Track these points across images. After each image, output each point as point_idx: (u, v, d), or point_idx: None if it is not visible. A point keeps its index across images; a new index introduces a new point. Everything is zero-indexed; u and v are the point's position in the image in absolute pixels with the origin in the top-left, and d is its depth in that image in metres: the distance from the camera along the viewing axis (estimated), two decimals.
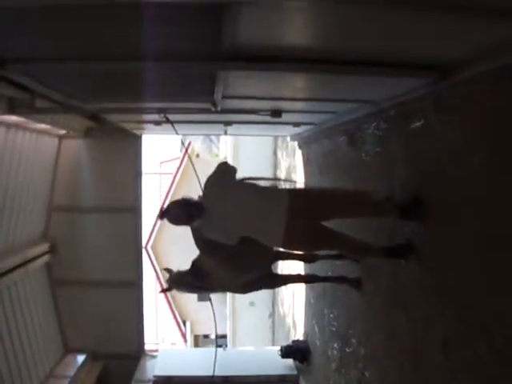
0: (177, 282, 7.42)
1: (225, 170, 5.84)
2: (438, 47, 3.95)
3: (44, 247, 11.31)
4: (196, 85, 5.74)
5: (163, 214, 5.74)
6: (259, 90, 6.05)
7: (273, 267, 7.87)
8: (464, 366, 4.38)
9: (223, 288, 7.96)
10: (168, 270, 7.59)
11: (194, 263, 7.28)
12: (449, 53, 4.09)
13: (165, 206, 5.90)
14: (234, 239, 5.66)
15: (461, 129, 4.50)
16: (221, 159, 30.12)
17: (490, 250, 4.01)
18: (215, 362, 9.21)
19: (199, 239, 6.45)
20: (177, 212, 5.72)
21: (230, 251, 6.23)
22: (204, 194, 5.82)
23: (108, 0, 2.99)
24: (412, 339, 5.53)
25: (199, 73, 5.05)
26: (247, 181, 5.84)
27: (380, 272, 6.48)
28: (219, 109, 6.81)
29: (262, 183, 5.88)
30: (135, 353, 12.57)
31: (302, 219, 5.37)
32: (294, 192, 5.75)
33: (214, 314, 8.51)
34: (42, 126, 9.27)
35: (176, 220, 5.77)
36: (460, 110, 4.53)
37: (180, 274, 7.37)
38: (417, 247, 5.39)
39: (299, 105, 7.35)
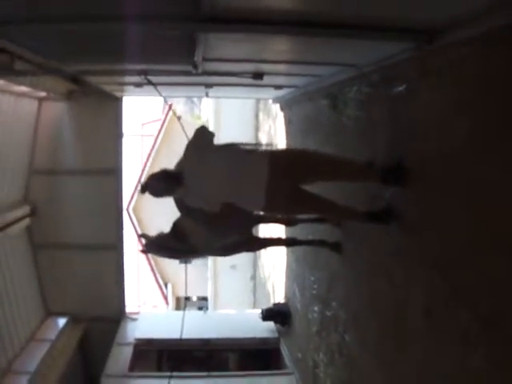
0: (157, 245, 7.40)
1: (202, 136, 5.83)
2: (424, 10, 3.89)
3: (24, 210, 11.27)
4: (176, 47, 5.67)
5: (143, 188, 5.77)
6: (240, 53, 5.98)
7: (253, 230, 7.88)
8: (446, 332, 4.40)
9: (204, 251, 7.96)
10: (144, 236, 7.58)
11: (175, 224, 7.27)
12: (434, 17, 4.04)
13: (144, 180, 5.93)
14: (216, 206, 5.67)
15: (445, 94, 4.46)
16: (202, 121, 30.05)
17: (472, 217, 4.00)
18: (183, 324, 9.27)
19: (180, 203, 6.44)
20: (157, 185, 5.77)
21: (211, 214, 6.23)
22: (183, 161, 5.80)
23: None
24: (393, 304, 5.53)
25: (179, 35, 4.98)
26: (226, 144, 5.84)
27: (361, 236, 6.49)
28: (200, 71, 6.75)
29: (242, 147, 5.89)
30: (116, 316, 12.65)
31: (282, 182, 5.38)
32: (274, 156, 5.72)
33: (186, 276, 8.47)
34: (22, 88, 9.16)
35: (157, 193, 5.81)
36: (444, 75, 4.49)
37: (160, 236, 7.35)
38: (398, 212, 5.38)
39: (281, 67, 7.29)
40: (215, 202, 5.67)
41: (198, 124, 29.05)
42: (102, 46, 5.60)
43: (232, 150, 5.77)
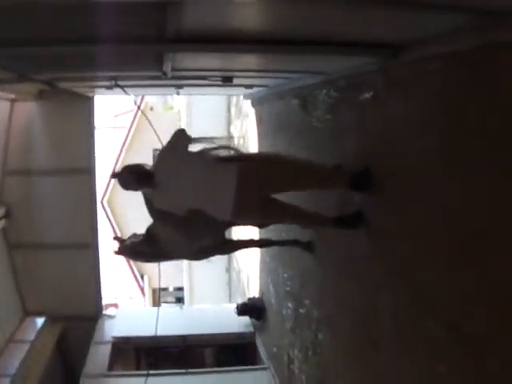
0: (130, 251, 7.46)
1: (178, 141, 5.90)
2: (389, 29, 4.00)
3: None
4: (146, 59, 5.75)
5: (114, 175, 5.88)
6: (209, 64, 6.08)
7: (226, 233, 7.93)
8: (412, 336, 4.53)
9: (177, 255, 8.02)
10: (118, 239, 7.62)
11: (149, 230, 7.32)
12: (399, 34, 4.15)
13: (119, 169, 5.98)
14: (182, 210, 5.77)
15: (409, 106, 4.59)
16: (175, 112, 29.95)
17: (439, 225, 4.11)
18: (159, 321, 9.30)
19: (149, 204, 6.50)
20: (127, 178, 5.82)
21: (182, 218, 6.30)
22: (156, 164, 5.89)
23: None
24: (362, 306, 5.65)
25: (147, 52, 5.07)
26: (199, 150, 5.91)
27: (332, 238, 6.55)
28: (169, 77, 6.83)
29: (214, 152, 5.96)
30: (94, 314, 12.65)
31: (252, 192, 5.46)
32: (244, 164, 5.78)
33: (159, 268, 8.47)
34: None
35: (125, 185, 5.87)
36: (407, 87, 4.62)
37: (134, 243, 7.38)
38: (366, 218, 5.49)
39: (250, 73, 7.37)
40: (183, 208, 5.78)
41: (169, 115, 29.06)
42: (74, 60, 5.66)
43: (204, 158, 5.84)
